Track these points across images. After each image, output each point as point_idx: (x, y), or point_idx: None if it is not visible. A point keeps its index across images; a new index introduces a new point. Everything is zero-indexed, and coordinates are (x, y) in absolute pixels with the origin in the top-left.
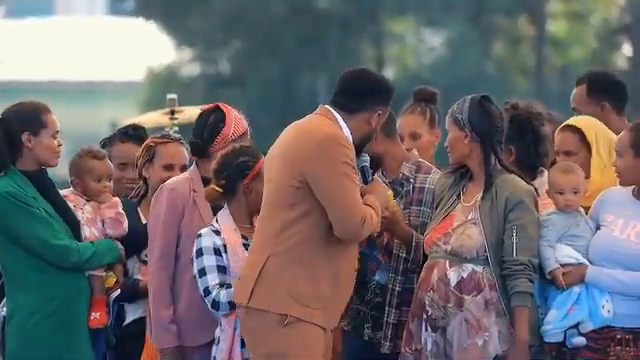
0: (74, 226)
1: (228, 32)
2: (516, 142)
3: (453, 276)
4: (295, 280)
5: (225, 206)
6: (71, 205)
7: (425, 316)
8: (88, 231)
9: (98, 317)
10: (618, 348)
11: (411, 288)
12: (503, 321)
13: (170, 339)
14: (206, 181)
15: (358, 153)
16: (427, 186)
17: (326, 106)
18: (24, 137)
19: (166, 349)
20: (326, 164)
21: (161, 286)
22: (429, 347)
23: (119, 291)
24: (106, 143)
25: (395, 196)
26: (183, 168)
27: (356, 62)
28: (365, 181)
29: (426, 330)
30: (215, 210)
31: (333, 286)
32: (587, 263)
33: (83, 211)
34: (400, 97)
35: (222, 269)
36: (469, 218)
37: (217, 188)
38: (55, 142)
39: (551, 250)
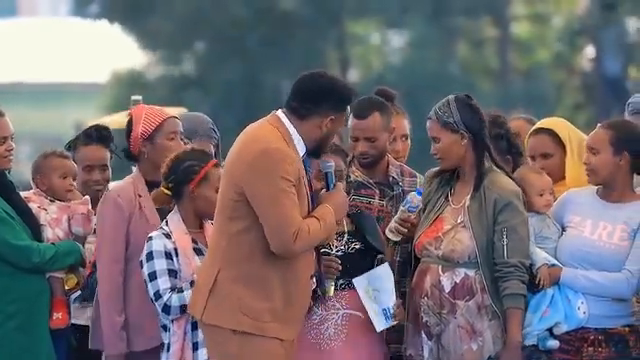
0: (35, 228)
1: (191, 34)
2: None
3: (446, 282)
4: (245, 295)
5: (175, 209)
6: (35, 206)
7: (421, 322)
8: (51, 233)
9: (60, 317)
10: (591, 349)
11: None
12: (497, 324)
13: (121, 346)
14: (152, 185)
15: (317, 157)
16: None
17: (278, 112)
18: None
19: (114, 355)
20: (261, 179)
21: (112, 292)
22: (426, 355)
23: (79, 292)
24: (71, 146)
25: (384, 197)
26: (102, 168)
27: (320, 63)
28: (327, 188)
29: (421, 337)
30: (162, 213)
31: (286, 298)
32: (560, 265)
33: (48, 211)
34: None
35: (173, 273)
36: (459, 221)
37: (165, 191)
38: (3, 147)
39: (535, 248)
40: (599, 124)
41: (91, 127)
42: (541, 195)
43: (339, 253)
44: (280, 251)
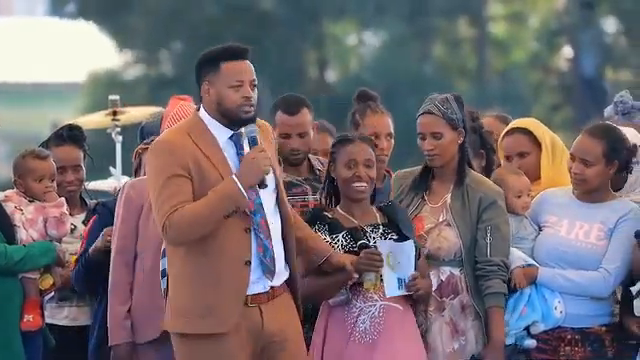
0: (7, 229)
1: (169, 33)
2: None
3: (433, 280)
4: (177, 296)
5: None
6: (12, 206)
7: None
8: (25, 234)
9: (31, 320)
10: (568, 348)
11: None
12: (479, 324)
13: (123, 335)
14: None
15: (239, 126)
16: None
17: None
18: None
19: (119, 345)
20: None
21: (119, 281)
22: None
23: (52, 293)
24: (44, 146)
25: (315, 192)
26: (76, 169)
27: (297, 63)
28: None
29: None
30: None
31: (215, 289)
32: (536, 265)
33: (24, 212)
34: (343, 98)
35: None
36: (441, 220)
37: None
38: None
39: (511, 249)
40: (585, 130)
41: (62, 127)
42: (519, 197)
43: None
44: (166, 241)
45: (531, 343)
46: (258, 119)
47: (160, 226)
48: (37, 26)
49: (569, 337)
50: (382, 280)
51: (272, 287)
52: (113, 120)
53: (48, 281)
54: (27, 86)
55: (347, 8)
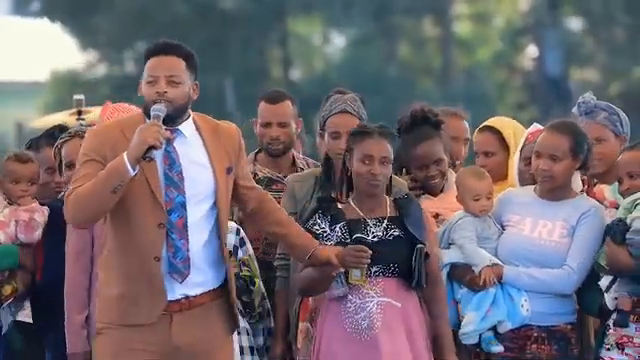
0: None
1: (133, 33)
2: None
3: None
4: (100, 286)
5: None
6: None
7: None
8: None
9: None
10: (534, 346)
11: None
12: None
13: (80, 344)
14: None
15: (174, 117)
16: None
17: None
18: None
19: (75, 354)
20: None
21: (76, 289)
22: None
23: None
24: (32, 145)
25: None
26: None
27: (262, 62)
28: None
29: None
30: None
31: (124, 282)
32: (501, 264)
33: None
34: (309, 97)
35: None
36: None
37: None
38: None
39: (475, 248)
40: (548, 127)
41: (53, 128)
42: (476, 200)
43: (375, 239)
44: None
45: (499, 349)
46: (224, 122)
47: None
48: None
49: (535, 335)
50: (377, 275)
51: (186, 297)
52: (78, 119)
53: (9, 287)
54: None
55: (313, 5)
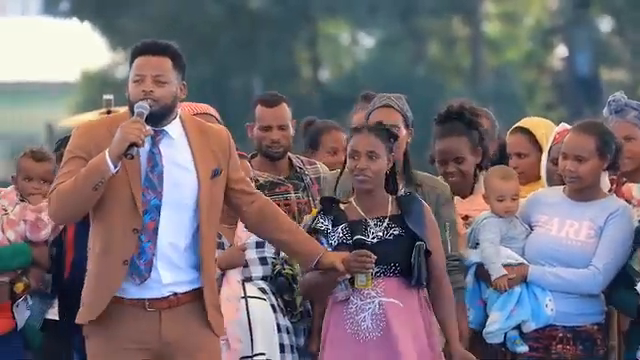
0: None
1: (163, 33)
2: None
3: None
4: (85, 285)
5: None
6: (1, 206)
7: None
8: (0, 236)
9: None
10: (559, 347)
11: None
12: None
13: None
14: None
15: (160, 116)
16: (321, 175)
17: None
18: None
19: None
20: None
21: None
22: None
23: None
24: (61, 146)
25: (297, 190)
26: None
27: (290, 63)
28: None
29: None
30: None
31: (88, 279)
32: (527, 263)
33: (8, 212)
34: (337, 97)
35: None
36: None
37: None
38: None
39: (496, 254)
40: (572, 127)
41: None
42: (500, 200)
43: (375, 240)
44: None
45: (524, 349)
46: (216, 125)
47: None
48: (30, 26)
49: (560, 335)
50: (378, 276)
51: (174, 294)
52: None
53: (21, 284)
54: (21, 86)
55: (338, 8)
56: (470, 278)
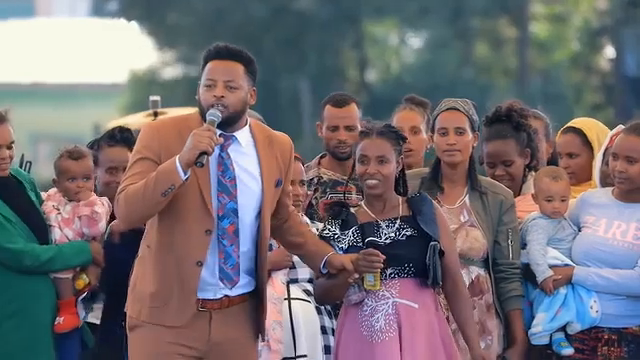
0: (40, 230)
1: (210, 34)
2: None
3: (465, 279)
4: (137, 281)
5: None
6: (51, 205)
7: None
8: (59, 234)
9: (62, 322)
10: (605, 349)
11: None
12: (499, 324)
13: None
14: None
15: (230, 122)
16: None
17: None
18: None
19: None
20: None
21: None
22: None
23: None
24: (94, 146)
25: (360, 191)
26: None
27: (338, 64)
28: None
29: None
30: None
31: (158, 281)
32: (573, 264)
33: (61, 211)
34: (383, 98)
35: None
36: (463, 221)
37: None
38: None
39: (542, 255)
40: (623, 128)
41: (114, 128)
42: (549, 201)
43: (387, 241)
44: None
45: (569, 351)
46: (279, 133)
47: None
48: (78, 26)
49: (606, 337)
50: (393, 277)
51: (226, 296)
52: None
53: (82, 281)
54: (67, 87)
55: (386, 9)
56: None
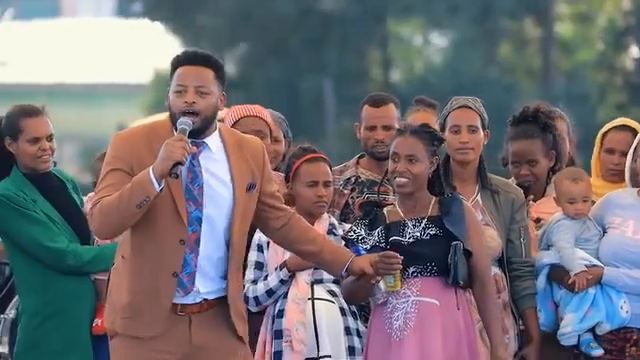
0: (82, 230)
1: (234, 34)
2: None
3: None
4: (113, 292)
5: None
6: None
7: None
8: None
9: (99, 324)
10: (633, 349)
11: None
12: (514, 322)
13: None
14: None
15: (201, 129)
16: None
17: None
18: (6, 142)
19: None
20: None
21: None
22: None
23: None
24: None
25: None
26: None
27: (361, 63)
28: None
29: None
30: None
31: (131, 292)
32: (601, 265)
33: None
34: (407, 98)
35: (260, 265)
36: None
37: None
38: (34, 147)
39: (573, 251)
40: None
41: None
42: (571, 203)
43: (411, 240)
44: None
45: (599, 352)
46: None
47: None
48: (102, 27)
49: (635, 338)
50: (415, 276)
51: (205, 299)
52: None
53: None
54: (92, 87)
55: (414, 8)
56: (542, 279)
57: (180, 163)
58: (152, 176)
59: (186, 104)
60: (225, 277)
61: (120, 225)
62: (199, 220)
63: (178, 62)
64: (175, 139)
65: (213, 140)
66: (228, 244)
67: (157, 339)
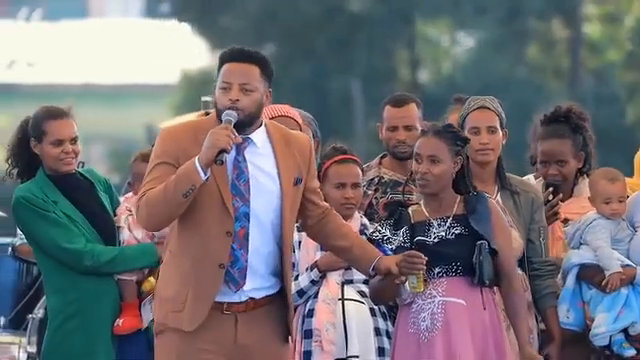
0: (106, 231)
1: (261, 34)
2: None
3: None
4: (161, 286)
5: None
6: (124, 206)
7: None
8: (127, 235)
9: (121, 324)
10: None
11: None
12: (535, 322)
13: None
14: None
15: (245, 124)
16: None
17: None
18: (32, 143)
19: None
20: None
21: None
22: None
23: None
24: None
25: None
26: None
27: (389, 64)
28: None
29: None
30: None
31: (179, 285)
32: (633, 265)
33: (132, 212)
34: (435, 99)
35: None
36: None
37: None
38: (57, 150)
39: (610, 251)
40: None
41: None
42: (607, 203)
43: (436, 240)
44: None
45: (631, 353)
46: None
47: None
48: (130, 27)
49: None
50: (441, 276)
51: (251, 298)
52: None
53: (148, 284)
54: (119, 87)
55: (442, 8)
56: (571, 279)
57: (225, 150)
58: (198, 165)
59: (230, 101)
60: (275, 274)
61: (167, 215)
62: (247, 215)
63: (224, 58)
64: (220, 127)
65: (258, 135)
66: (277, 239)
67: (202, 336)
